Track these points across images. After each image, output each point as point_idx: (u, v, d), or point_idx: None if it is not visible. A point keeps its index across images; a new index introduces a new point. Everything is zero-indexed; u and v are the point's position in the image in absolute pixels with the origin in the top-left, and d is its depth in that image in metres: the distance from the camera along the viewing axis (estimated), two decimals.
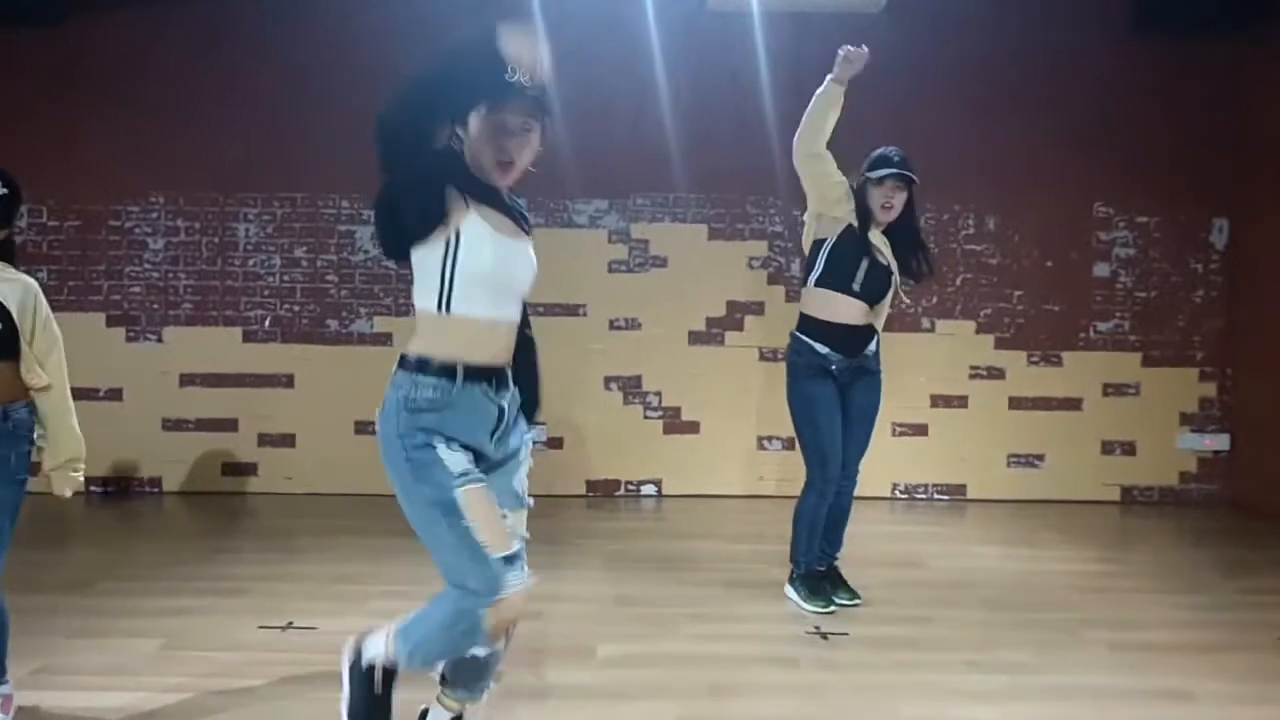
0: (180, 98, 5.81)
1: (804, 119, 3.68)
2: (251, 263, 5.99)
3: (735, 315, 6.02)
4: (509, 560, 2.13)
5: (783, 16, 5.69)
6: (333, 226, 6.00)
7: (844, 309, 3.73)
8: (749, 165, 5.70)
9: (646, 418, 6.06)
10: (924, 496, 6.06)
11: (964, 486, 6.05)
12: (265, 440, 5.97)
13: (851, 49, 3.59)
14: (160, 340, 5.97)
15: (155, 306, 5.97)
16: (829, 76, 3.63)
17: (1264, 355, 5.74)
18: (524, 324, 2.34)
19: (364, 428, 5.89)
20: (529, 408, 2.40)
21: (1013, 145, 5.86)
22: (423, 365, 2.15)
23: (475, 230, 2.11)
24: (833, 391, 3.76)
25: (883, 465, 5.39)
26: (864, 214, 3.71)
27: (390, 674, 2.29)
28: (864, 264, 3.71)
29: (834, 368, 3.76)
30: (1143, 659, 3.33)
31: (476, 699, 2.46)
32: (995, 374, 6.06)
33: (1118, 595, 4.11)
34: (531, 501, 2.36)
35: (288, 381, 5.97)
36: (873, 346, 3.83)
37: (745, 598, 3.97)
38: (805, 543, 3.84)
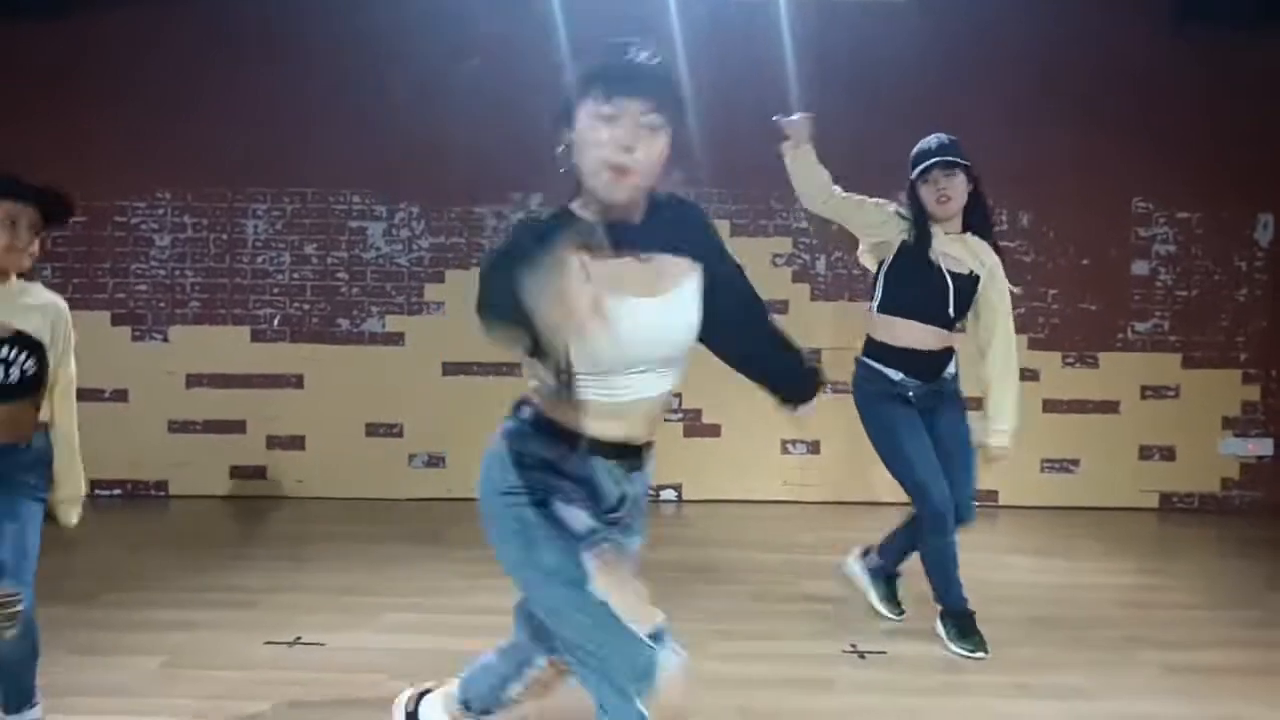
0: (186, 91, 5.65)
1: (793, 184, 3.46)
2: (260, 260, 5.83)
3: None
4: (656, 638, 1.71)
5: (809, 4, 5.50)
6: (344, 223, 5.84)
7: (907, 333, 3.41)
8: (773, 159, 5.41)
9: (666, 420, 5.86)
10: None
11: (996, 492, 5.83)
12: (274, 442, 5.81)
13: (784, 119, 3.36)
14: (166, 340, 5.82)
15: (161, 305, 5.83)
16: (785, 149, 3.39)
17: None
18: (762, 319, 2.06)
19: (375, 430, 5.74)
20: (803, 384, 2.10)
21: (1047, 138, 5.63)
22: (543, 425, 1.81)
23: None
24: (909, 411, 3.40)
25: None
26: (921, 224, 3.35)
27: None
28: (930, 280, 3.36)
29: (911, 394, 3.42)
30: (1199, 683, 3.14)
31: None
32: (1029, 376, 5.81)
33: (1164, 611, 3.92)
34: None
35: (297, 382, 5.82)
36: (951, 368, 3.50)
37: (775, 613, 3.78)
38: (943, 583, 3.48)
